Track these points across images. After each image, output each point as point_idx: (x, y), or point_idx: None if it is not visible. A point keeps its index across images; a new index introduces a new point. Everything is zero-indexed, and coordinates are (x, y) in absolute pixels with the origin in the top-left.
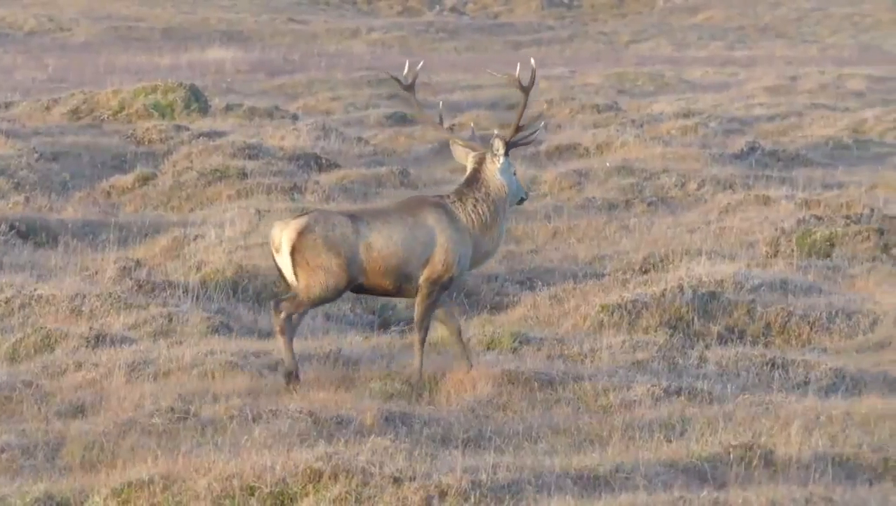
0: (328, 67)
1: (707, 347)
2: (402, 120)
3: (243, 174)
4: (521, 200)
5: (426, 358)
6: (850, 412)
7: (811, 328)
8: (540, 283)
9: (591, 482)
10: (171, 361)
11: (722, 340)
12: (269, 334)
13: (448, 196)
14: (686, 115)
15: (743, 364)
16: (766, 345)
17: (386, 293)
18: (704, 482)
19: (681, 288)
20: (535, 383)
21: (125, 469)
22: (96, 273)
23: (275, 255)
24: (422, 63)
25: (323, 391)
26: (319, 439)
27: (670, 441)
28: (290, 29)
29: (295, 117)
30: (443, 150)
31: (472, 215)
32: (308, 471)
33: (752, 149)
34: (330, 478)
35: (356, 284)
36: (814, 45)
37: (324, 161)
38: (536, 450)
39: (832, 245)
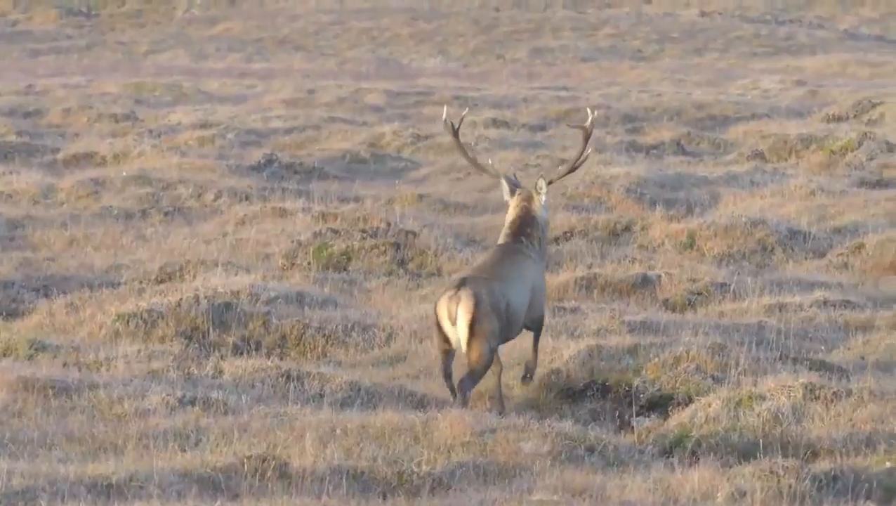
0: None
1: (223, 357)
2: None
3: None
4: None
5: None
6: (365, 425)
7: (327, 341)
8: (56, 290)
9: (105, 490)
10: None
11: (238, 351)
12: None
13: (520, 241)
14: (203, 126)
15: (258, 376)
16: (281, 357)
17: (508, 340)
18: (218, 492)
19: (197, 298)
20: (51, 391)
21: None
22: None
23: (447, 326)
24: (468, 109)
25: None
26: None
27: (185, 451)
28: None
29: None
30: None
31: (542, 249)
32: None
33: (269, 161)
34: None
35: None
36: (332, 58)
37: None
38: (51, 457)
39: (349, 258)
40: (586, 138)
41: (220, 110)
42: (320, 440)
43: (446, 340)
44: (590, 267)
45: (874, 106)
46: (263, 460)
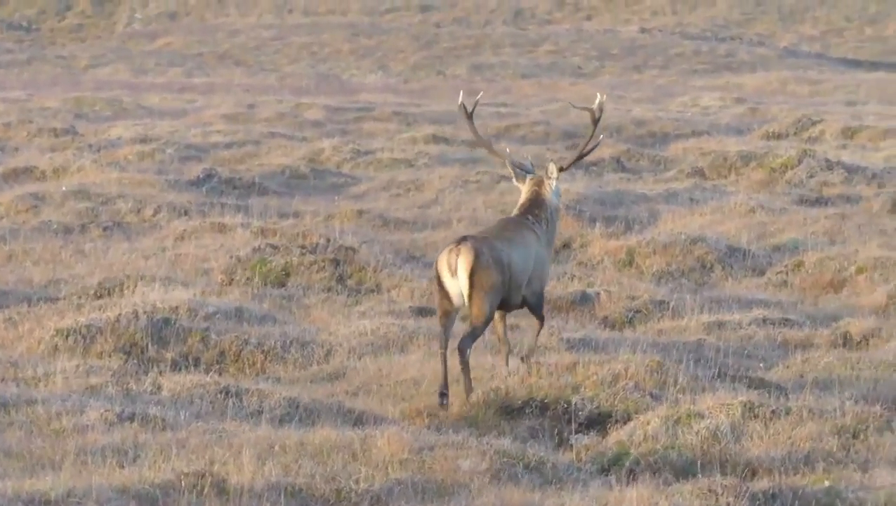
0: None
1: (161, 373)
2: None
3: None
4: None
5: None
6: (303, 442)
7: (266, 357)
8: None
9: None
10: None
11: (176, 366)
12: None
13: (527, 217)
14: (143, 141)
15: (197, 391)
16: (220, 373)
17: (510, 307)
18: None
19: (136, 314)
20: None
21: None
22: None
23: (447, 279)
24: (482, 93)
25: None
26: None
27: (123, 467)
28: None
29: None
30: None
31: (549, 232)
32: None
33: (209, 176)
34: None
35: None
36: (272, 73)
37: None
38: None
39: (287, 274)
40: (595, 122)
41: (160, 125)
42: (258, 457)
43: (447, 296)
44: None
45: (814, 123)
46: (201, 477)
